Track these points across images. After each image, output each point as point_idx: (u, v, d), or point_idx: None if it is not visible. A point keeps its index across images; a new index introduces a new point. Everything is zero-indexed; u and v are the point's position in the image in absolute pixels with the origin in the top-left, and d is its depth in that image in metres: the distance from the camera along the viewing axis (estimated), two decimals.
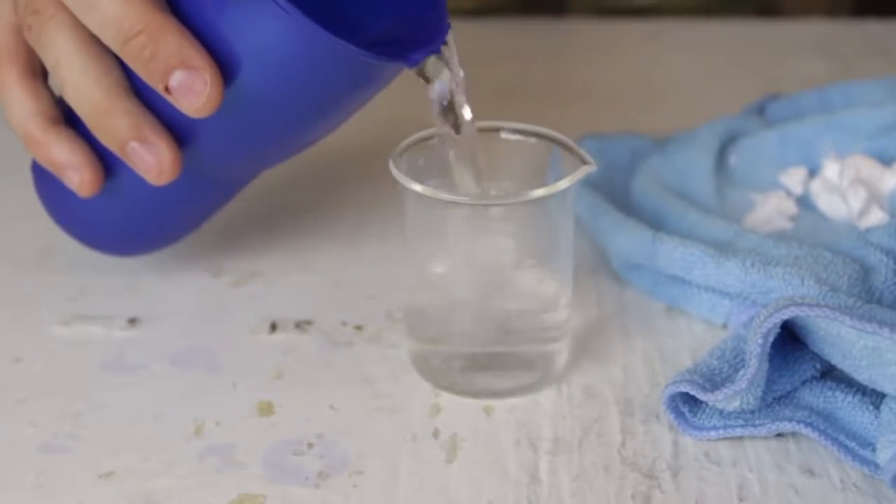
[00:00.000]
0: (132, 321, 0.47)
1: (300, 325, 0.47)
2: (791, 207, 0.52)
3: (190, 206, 0.47)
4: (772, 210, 0.52)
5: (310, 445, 0.40)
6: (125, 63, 0.40)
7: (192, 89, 0.38)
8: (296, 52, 0.38)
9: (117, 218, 0.46)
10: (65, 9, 0.40)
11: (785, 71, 0.72)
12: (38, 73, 0.44)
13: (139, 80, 0.40)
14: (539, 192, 0.39)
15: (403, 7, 0.42)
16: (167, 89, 0.38)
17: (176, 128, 0.41)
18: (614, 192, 0.53)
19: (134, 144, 0.41)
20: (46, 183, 0.47)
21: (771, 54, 0.76)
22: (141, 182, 0.42)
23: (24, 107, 0.43)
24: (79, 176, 0.43)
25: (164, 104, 0.40)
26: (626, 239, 0.47)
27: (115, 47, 0.39)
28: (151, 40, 0.38)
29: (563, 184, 0.39)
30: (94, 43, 0.40)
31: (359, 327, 0.47)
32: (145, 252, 0.49)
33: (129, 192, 0.44)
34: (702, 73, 0.73)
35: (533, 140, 0.43)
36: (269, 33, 0.37)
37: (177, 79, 0.38)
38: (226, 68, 0.38)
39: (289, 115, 0.41)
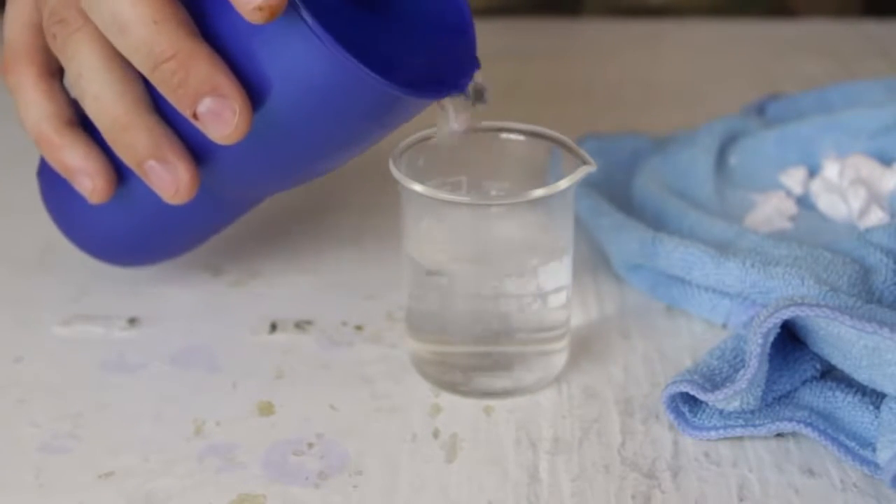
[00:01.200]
0: (132, 321, 0.47)
1: (300, 325, 0.47)
2: (791, 207, 0.52)
3: (200, 222, 0.46)
4: (772, 210, 0.52)
5: (310, 445, 0.40)
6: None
7: (221, 117, 0.37)
8: (328, 82, 0.37)
9: (125, 230, 0.45)
10: (91, 21, 0.39)
11: (785, 71, 0.72)
12: (55, 73, 0.44)
13: (163, 97, 0.40)
14: (539, 192, 0.39)
15: (436, 48, 0.42)
16: (195, 115, 0.38)
17: (197, 148, 0.41)
18: (614, 192, 0.53)
19: (152, 163, 0.40)
20: (53, 191, 0.46)
21: (771, 54, 0.76)
22: (153, 196, 0.42)
23: (39, 108, 0.43)
24: (91, 182, 0.42)
25: (186, 123, 0.39)
26: (626, 239, 0.47)
27: (143, 71, 0.38)
28: (181, 66, 0.37)
29: (563, 184, 0.39)
30: (119, 57, 0.40)
31: (359, 327, 0.47)
32: (149, 263, 0.49)
33: (140, 205, 0.44)
34: (702, 73, 0.73)
35: (533, 140, 0.43)
36: (302, 61, 0.37)
37: (205, 106, 0.37)
38: (255, 95, 0.38)
39: (313, 144, 0.40)
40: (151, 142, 0.40)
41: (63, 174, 0.43)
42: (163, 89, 0.38)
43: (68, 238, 0.47)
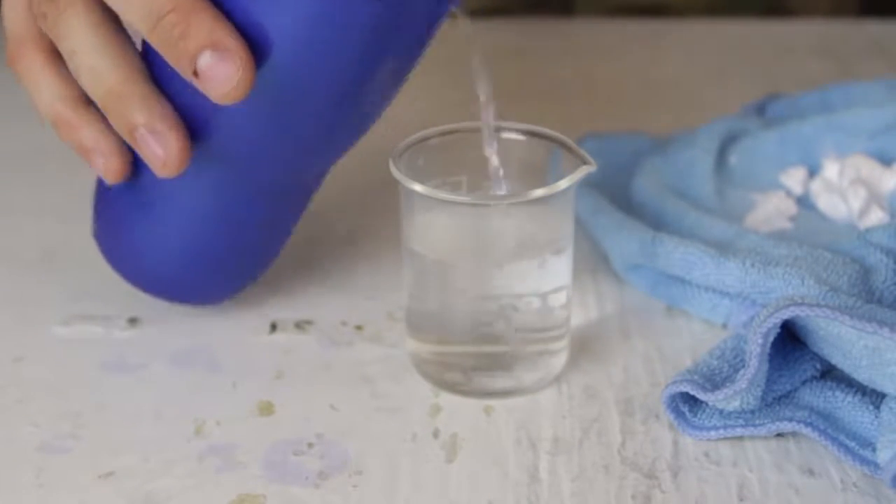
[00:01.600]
0: (132, 321, 0.47)
1: (300, 325, 0.47)
2: (791, 207, 0.52)
3: (253, 231, 0.44)
4: (772, 210, 0.52)
5: (310, 445, 0.40)
6: (146, 52, 0.39)
7: (223, 73, 0.36)
8: (331, 24, 0.36)
9: (173, 255, 0.44)
10: None
11: (785, 71, 0.72)
12: (62, 56, 0.43)
13: (162, 70, 0.39)
14: (539, 192, 0.39)
15: None
16: (196, 73, 0.37)
17: (201, 122, 0.40)
18: (614, 192, 0.53)
19: (143, 131, 0.39)
20: (106, 228, 0.45)
21: (771, 54, 0.76)
22: (191, 207, 0.41)
23: (51, 90, 0.42)
24: (104, 162, 0.42)
25: (186, 94, 0.39)
26: (626, 239, 0.47)
27: (143, 28, 0.38)
28: (182, 19, 0.36)
29: (563, 184, 0.39)
30: (112, 28, 0.39)
31: (359, 327, 0.47)
32: (218, 294, 0.47)
33: (182, 218, 0.43)
34: (702, 73, 0.73)
35: (533, 140, 0.43)
36: (303, 4, 0.36)
37: (205, 61, 0.36)
38: (256, 49, 0.37)
39: (323, 95, 0.39)
40: (143, 109, 0.39)
41: (78, 153, 0.42)
42: (162, 46, 0.38)
43: (122, 274, 0.46)
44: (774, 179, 0.54)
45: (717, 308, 0.46)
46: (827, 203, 0.52)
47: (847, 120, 0.54)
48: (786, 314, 0.38)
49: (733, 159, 0.55)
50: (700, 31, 0.80)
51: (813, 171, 0.54)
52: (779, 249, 0.45)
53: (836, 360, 0.39)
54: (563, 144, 0.42)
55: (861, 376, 0.38)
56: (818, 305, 0.37)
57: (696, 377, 0.39)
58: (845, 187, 0.51)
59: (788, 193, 0.53)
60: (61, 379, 0.44)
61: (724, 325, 0.46)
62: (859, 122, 0.53)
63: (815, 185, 0.53)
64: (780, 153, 0.55)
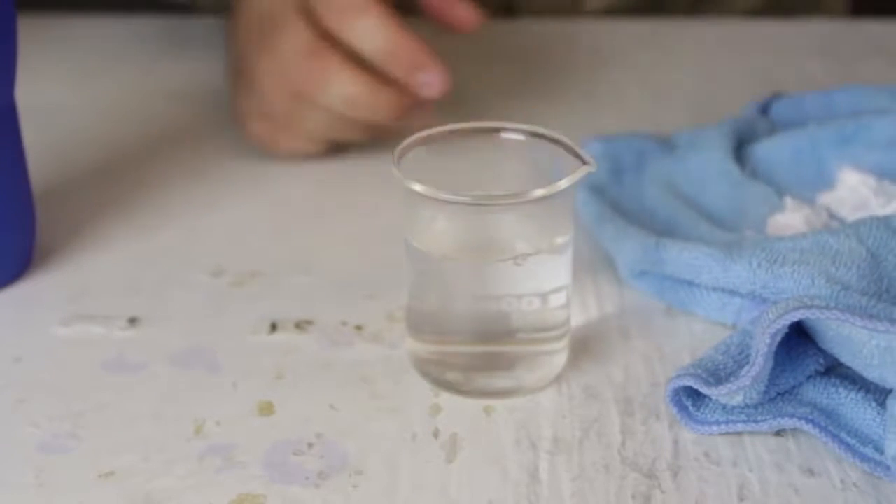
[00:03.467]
0: (132, 321, 0.47)
1: (300, 325, 0.47)
2: (813, 219, 0.50)
3: None
4: (800, 220, 0.50)
5: (310, 445, 0.40)
6: None
7: None
8: None
9: None
10: None
11: (785, 71, 0.72)
12: None
13: None
14: (539, 193, 0.39)
15: None
16: None
17: None
18: (623, 193, 0.53)
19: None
20: None
21: (771, 54, 0.76)
22: None
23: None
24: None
25: None
26: (631, 247, 0.47)
27: None
28: None
29: (563, 184, 0.39)
30: None
31: (359, 327, 0.47)
32: None
33: None
34: (702, 73, 0.73)
35: (533, 140, 0.43)
36: None
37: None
38: None
39: None
40: None
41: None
42: None
43: None
44: (787, 191, 0.52)
45: (726, 307, 0.45)
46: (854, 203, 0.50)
47: (860, 134, 0.52)
48: (795, 316, 0.38)
49: (747, 170, 0.53)
50: (698, 32, 0.80)
51: (829, 185, 0.52)
52: (783, 242, 0.44)
53: (846, 358, 0.39)
54: (563, 144, 0.42)
55: (871, 375, 0.38)
56: (828, 308, 0.37)
57: (699, 371, 0.39)
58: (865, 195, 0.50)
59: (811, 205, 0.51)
60: (61, 379, 0.44)
61: (734, 326, 0.46)
62: (872, 135, 0.52)
63: (833, 197, 0.51)
64: (795, 168, 0.53)
